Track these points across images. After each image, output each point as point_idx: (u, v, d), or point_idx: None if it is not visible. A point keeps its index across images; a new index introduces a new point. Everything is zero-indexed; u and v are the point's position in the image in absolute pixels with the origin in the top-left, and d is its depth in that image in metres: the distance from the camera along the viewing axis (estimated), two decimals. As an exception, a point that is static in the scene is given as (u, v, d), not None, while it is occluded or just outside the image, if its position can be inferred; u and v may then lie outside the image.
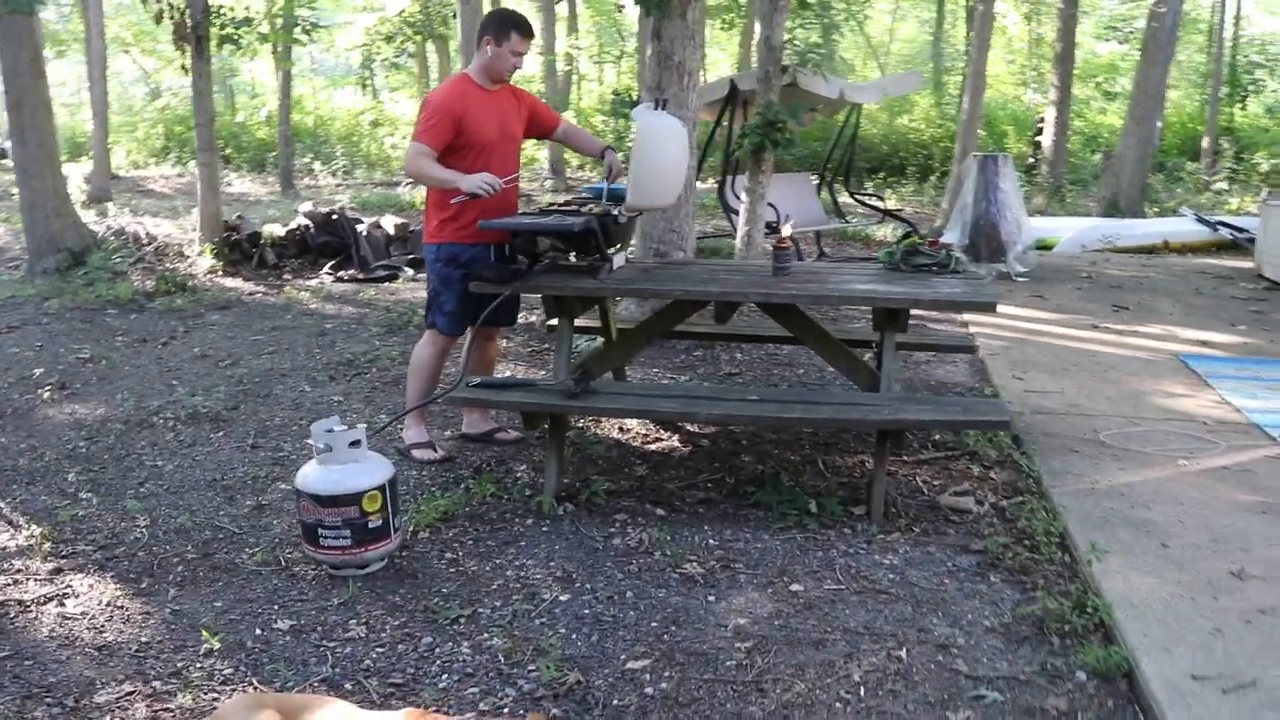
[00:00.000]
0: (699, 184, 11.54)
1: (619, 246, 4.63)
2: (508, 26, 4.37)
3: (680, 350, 6.43)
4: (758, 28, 8.44)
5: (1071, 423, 4.98)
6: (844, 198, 11.88)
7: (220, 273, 9.54)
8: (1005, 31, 27.56)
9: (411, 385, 4.75)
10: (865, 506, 3.96)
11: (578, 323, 5.02)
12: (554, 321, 4.48)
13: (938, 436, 4.71)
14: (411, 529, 4.01)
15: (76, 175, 18.14)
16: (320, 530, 3.61)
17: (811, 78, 8.78)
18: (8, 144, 25.38)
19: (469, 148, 4.38)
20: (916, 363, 6.09)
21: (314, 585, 3.63)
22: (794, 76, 8.71)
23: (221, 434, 5.29)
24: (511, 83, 4.68)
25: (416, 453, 4.77)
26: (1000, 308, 7.69)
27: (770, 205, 8.71)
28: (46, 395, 5.98)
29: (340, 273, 9.69)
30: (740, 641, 3.14)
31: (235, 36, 9.51)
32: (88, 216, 12.34)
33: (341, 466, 3.64)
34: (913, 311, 4.30)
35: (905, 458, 4.56)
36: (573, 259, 4.26)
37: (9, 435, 5.35)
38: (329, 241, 10.14)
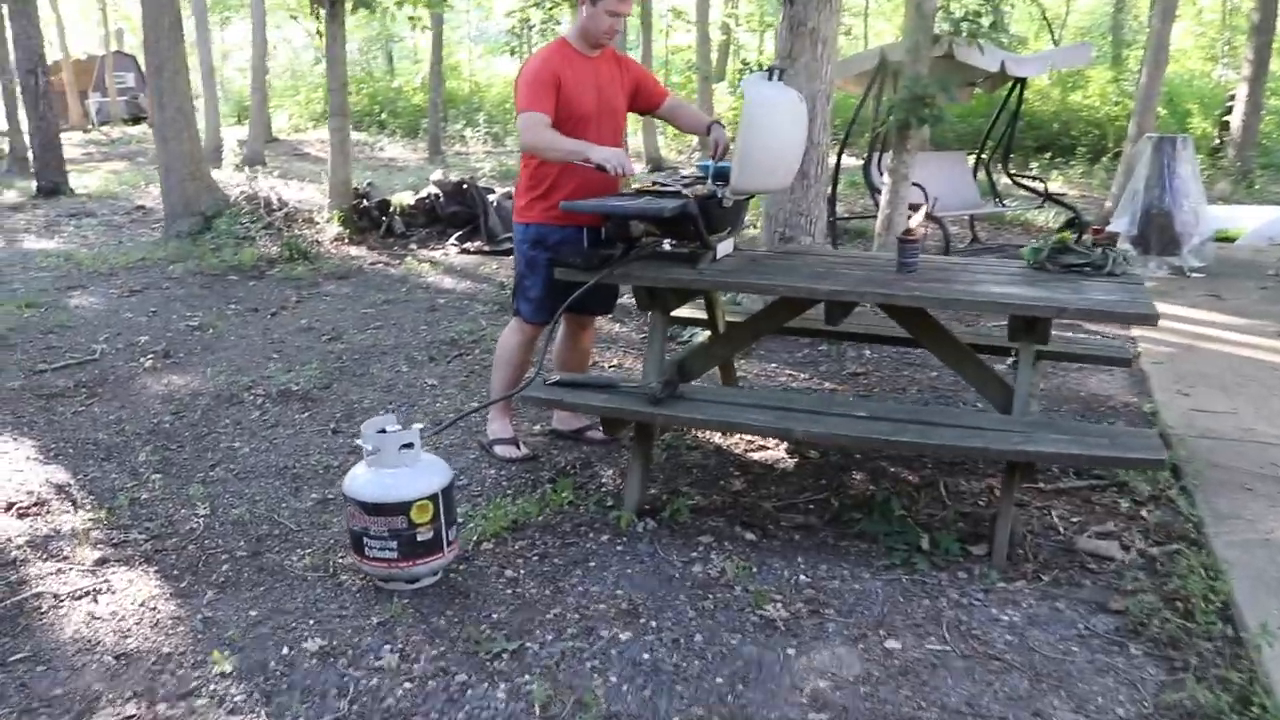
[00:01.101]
0: (848, 159, 10.90)
1: (727, 232, 4.15)
2: (606, -16, 3.92)
3: (804, 344, 5.91)
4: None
5: (1245, 453, 4.27)
6: (1002, 179, 11.03)
7: (346, 240, 9.44)
8: (1195, 2, 25.65)
9: (496, 376, 4.39)
10: (987, 546, 3.40)
11: (684, 312, 4.58)
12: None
13: (1083, 462, 4.09)
14: (475, 538, 3.65)
15: (232, 139, 18.63)
16: (366, 540, 3.27)
17: (968, 49, 8.04)
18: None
19: (565, 119, 3.97)
20: (1064, 370, 5.42)
21: (357, 598, 3.31)
22: (949, 47, 7.99)
23: (307, 415, 5.05)
24: (615, 48, 4.24)
25: (498, 449, 4.42)
26: (1169, 308, 6.94)
27: (917, 186, 8.06)
28: (149, 364, 5.88)
29: (466, 244, 9.47)
30: (816, 713, 2.65)
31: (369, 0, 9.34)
32: (237, 179, 12.54)
33: (391, 471, 3.29)
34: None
35: (1042, 485, 3.96)
36: (667, 245, 3.80)
37: (103, 405, 5.23)
38: (458, 211, 9.93)
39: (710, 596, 3.22)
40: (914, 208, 8.16)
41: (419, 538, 3.25)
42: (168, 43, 9.18)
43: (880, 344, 4.88)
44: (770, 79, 3.80)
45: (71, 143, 23.74)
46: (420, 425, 3.41)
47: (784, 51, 5.61)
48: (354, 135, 23.95)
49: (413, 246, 9.43)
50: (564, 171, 4.02)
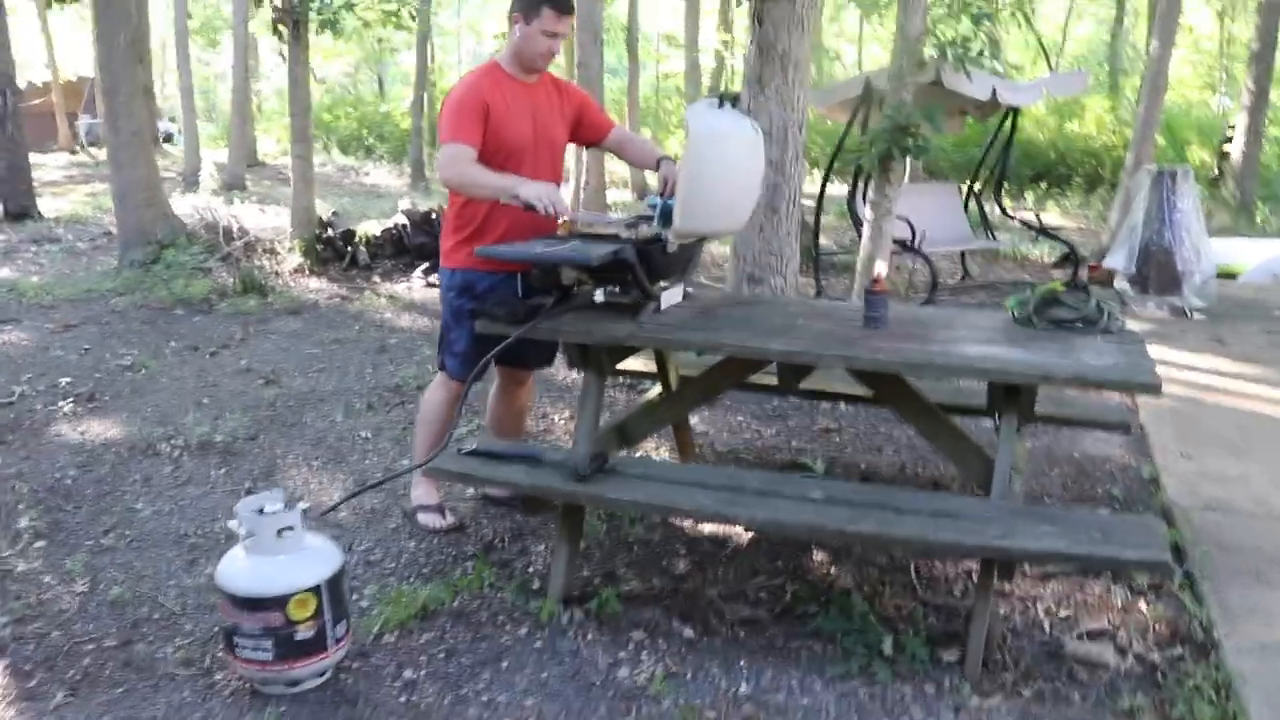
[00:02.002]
0: (834, 189, 10.48)
1: (676, 278, 3.71)
2: (540, 1, 3.49)
3: (773, 394, 5.46)
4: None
5: (1259, 530, 3.81)
6: (995, 211, 10.62)
7: (307, 272, 9.01)
8: (1192, 30, 25.35)
9: (419, 437, 3.93)
10: (960, 650, 2.94)
11: (631, 365, 4.13)
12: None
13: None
14: (377, 629, 3.19)
15: (215, 162, 18.25)
16: (237, 638, 2.82)
17: (957, 75, 7.63)
18: (174, 127, 26.03)
19: (495, 152, 3.53)
20: (1056, 426, 4.97)
21: (228, 704, 2.84)
22: (937, 74, 7.59)
23: (224, 471, 4.60)
24: (553, 73, 3.82)
25: (421, 517, 3.96)
26: (1170, 354, 6.48)
27: (903, 220, 7.64)
28: (69, 408, 5.43)
29: (431, 276, 9.02)
30: None
31: (334, 20, 8.94)
32: (211, 204, 12.11)
33: (268, 559, 2.84)
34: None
35: (1026, 569, 3.50)
36: (599, 296, 3.34)
37: (7, 455, 4.78)
38: (425, 242, 9.48)
39: (633, 712, 2.75)
40: (900, 244, 7.75)
41: (298, 636, 2.80)
42: (121, 64, 8.77)
43: (852, 402, 4.43)
44: (720, 106, 3.37)
45: (56, 164, 23.43)
46: (305, 505, 2.96)
47: (753, 76, 5.19)
48: (340, 160, 23.67)
49: (375, 279, 8.98)
50: (494, 211, 3.58)
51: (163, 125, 27.93)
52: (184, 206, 12.34)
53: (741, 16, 28.23)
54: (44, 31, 26.60)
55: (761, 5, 5.07)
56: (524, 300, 3.44)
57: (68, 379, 5.92)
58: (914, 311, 3.76)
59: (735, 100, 3.42)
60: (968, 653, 2.86)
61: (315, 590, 2.81)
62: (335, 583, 2.88)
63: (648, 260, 3.36)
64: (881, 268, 3.43)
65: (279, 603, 2.77)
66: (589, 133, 3.90)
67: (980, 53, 6.91)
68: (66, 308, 7.77)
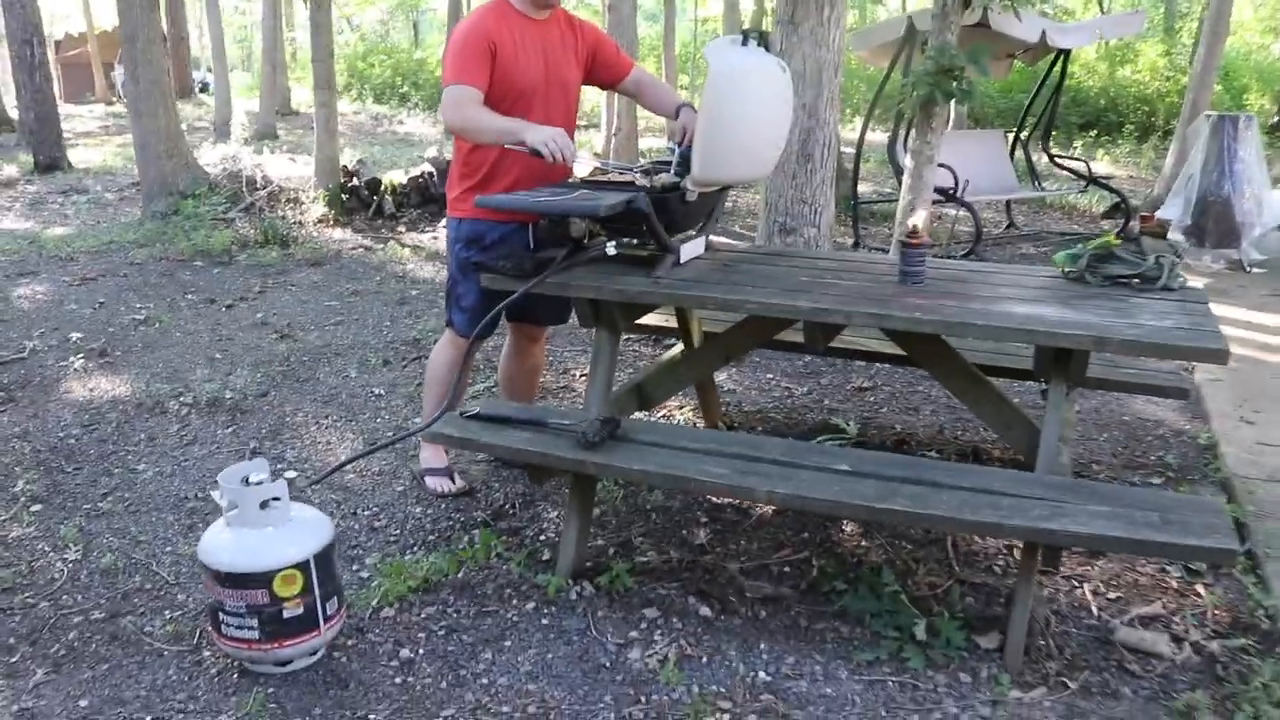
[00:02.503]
0: (874, 135, 10.11)
1: (697, 229, 3.46)
2: (550, -72, 3.22)
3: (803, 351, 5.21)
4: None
5: (1326, 503, 3.53)
6: (1042, 160, 10.21)
7: (331, 222, 8.82)
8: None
9: (427, 397, 3.73)
10: (999, 636, 2.70)
11: (651, 321, 3.90)
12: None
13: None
14: (376, 602, 3.00)
15: (242, 112, 18.09)
16: (222, 615, 2.64)
17: (1006, 16, 7.24)
18: (209, 77, 25.95)
19: (504, 95, 3.28)
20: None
21: (214, 684, 2.67)
22: (984, 14, 7.19)
23: (230, 430, 4.43)
24: (567, 9, 3.55)
25: (429, 481, 3.76)
26: (1229, 310, 6.13)
27: (946, 168, 7.29)
28: (79, 364, 5.28)
29: (458, 227, 8.80)
30: None
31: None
32: (241, 153, 11.95)
33: (253, 533, 2.65)
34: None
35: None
36: (611, 249, 3.09)
37: (14, 414, 4.64)
38: (452, 192, 9.26)
39: (642, 699, 2.54)
40: (941, 193, 7.41)
41: (285, 614, 2.61)
42: (140, 10, 8.56)
43: (885, 362, 4.16)
44: (744, 44, 3.09)
45: (93, 115, 23.40)
46: (292, 474, 2.77)
47: (785, 15, 4.88)
48: (374, 108, 23.42)
49: (400, 229, 8.78)
50: (503, 157, 3.34)
51: (199, 74, 27.83)
52: (213, 156, 12.19)
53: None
54: (80, -20, 26.52)
55: (795, -63, 4.74)
56: (533, 253, 3.20)
57: (80, 334, 5.78)
58: (955, 266, 3.48)
59: (762, 38, 3.14)
60: (1008, 640, 2.62)
61: (302, 566, 2.62)
62: (324, 558, 2.69)
63: (665, 210, 3.11)
64: (919, 219, 3.16)
65: (264, 579, 2.58)
66: (605, 74, 3.63)
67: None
68: (86, 260, 7.64)
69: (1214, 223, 7.50)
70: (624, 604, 2.96)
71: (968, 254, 7.91)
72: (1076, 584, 3.04)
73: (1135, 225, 9.13)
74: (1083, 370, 2.85)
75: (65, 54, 28.60)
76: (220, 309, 6.34)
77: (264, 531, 2.65)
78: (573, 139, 3.28)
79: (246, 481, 2.67)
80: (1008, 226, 9.85)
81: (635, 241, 3.28)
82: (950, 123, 8.87)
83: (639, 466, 2.73)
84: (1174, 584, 3.03)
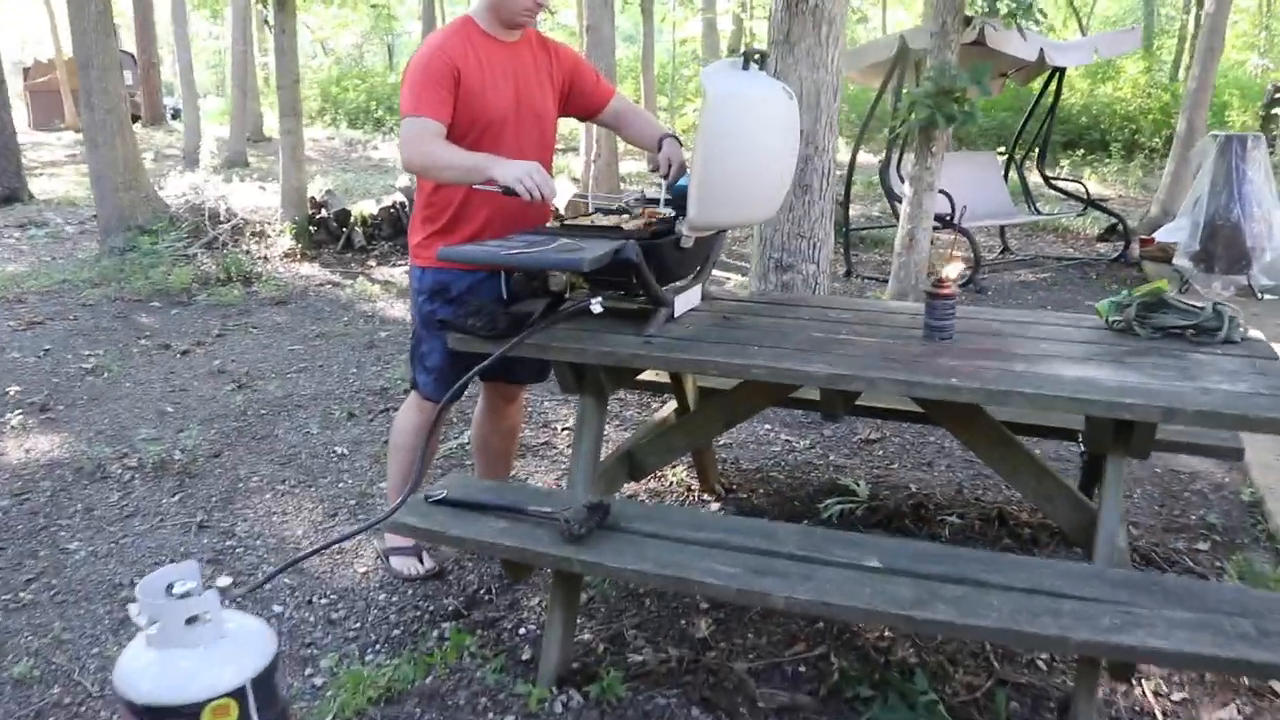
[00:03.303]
0: (862, 156, 9.77)
1: (691, 276, 3.07)
2: (520, -62, 2.84)
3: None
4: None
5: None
6: (1035, 180, 9.90)
7: (298, 256, 8.41)
8: (1230, -12, 24.29)
9: (391, 466, 3.32)
10: (1058, 758, 2.31)
11: (643, 377, 3.51)
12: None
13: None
14: (330, 718, 2.59)
15: (212, 139, 17.66)
16: (140, 755, 2.21)
17: (1006, 34, 6.91)
18: (180, 104, 25.51)
19: (468, 126, 2.89)
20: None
21: (132, 838, 2.24)
22: (981, 31, 6.87)
23: (177, 498, 4.00)
24: (540, 29, 3.18)
25: (395, 561, 3.35)
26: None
27: (943, 193, 6.94)
28: (16, 421, 4.85)
29: (431, 260, 8.39)
30: None
31: (322, -14, 8.26)
32: (206, 184, 11.52)
33: (179, 655, 2.23)
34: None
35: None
36: (595, 306, 2.69)
37: (-63, 480, 4.20)
38: (426, 222, 8.85)
39: None
40: (938, 220, 7.05)
41: (217, 753, 2.19)
42: (95, 35, 8.14)
43: (901, 420, 3.77)
44: (745, 67, 2.71)
45: (62, 143, 22.87)
46: (225, 580, 2.35)
47: (779, 34, 4.51)
48: (348, 134, 23.01)
49: (370, 263, 8.37)
50: (470, 197, 2.95)
51: (170, 101, 27.35)
52: (180, 185, 11.76)
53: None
54: (47, 6, 26.02)
55: (790, -49, 4.38)
56: (506, 308, 2.80)
57: (19, 387, 5.33)
58: (983, 315, 3.09)
59: (763, 60, 2.76)
60: (1069, 766, 2.23)
61: (238, 694, 2.20)
62: (265, 681, 2.26)
63: (657, 257, 2.72)
64: (953, 270, 2.77)
65: (191, 712, 2.16)
66: (583, 102, 3.25)
67: (1030, 8, 6.18)
68: (35, 301, 7.20)
69: (1223, 247, 7.17)
70: (617, 716, 2.55)
71: (966, 283, 7.57)
72: (1134, 682, 2.65)
73: (1135, 249, 8.83)
74: (1148, 443, 2.47)
75: (34, 80, 28.11)
76: (175, 355, 5.91)
77: (192, 652, 2.22)
78: (550, 173, 2.90)
79: (170, 592, 2.25)
80: (1002, 251, 9.53)
81: (623, 294, 2.89)
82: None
83: (634, 566, 2.33)
84: (1247, 680, 2.64)
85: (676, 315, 2.89)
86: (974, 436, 2.83)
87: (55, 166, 17.96)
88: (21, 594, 3.31)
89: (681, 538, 2.46)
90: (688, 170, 2.76)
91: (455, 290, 3.01)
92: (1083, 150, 17.15)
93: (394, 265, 8.30)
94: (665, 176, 2.99)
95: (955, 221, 7.44)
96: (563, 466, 4.20)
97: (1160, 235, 8.74)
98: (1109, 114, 19.06)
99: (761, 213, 2.90)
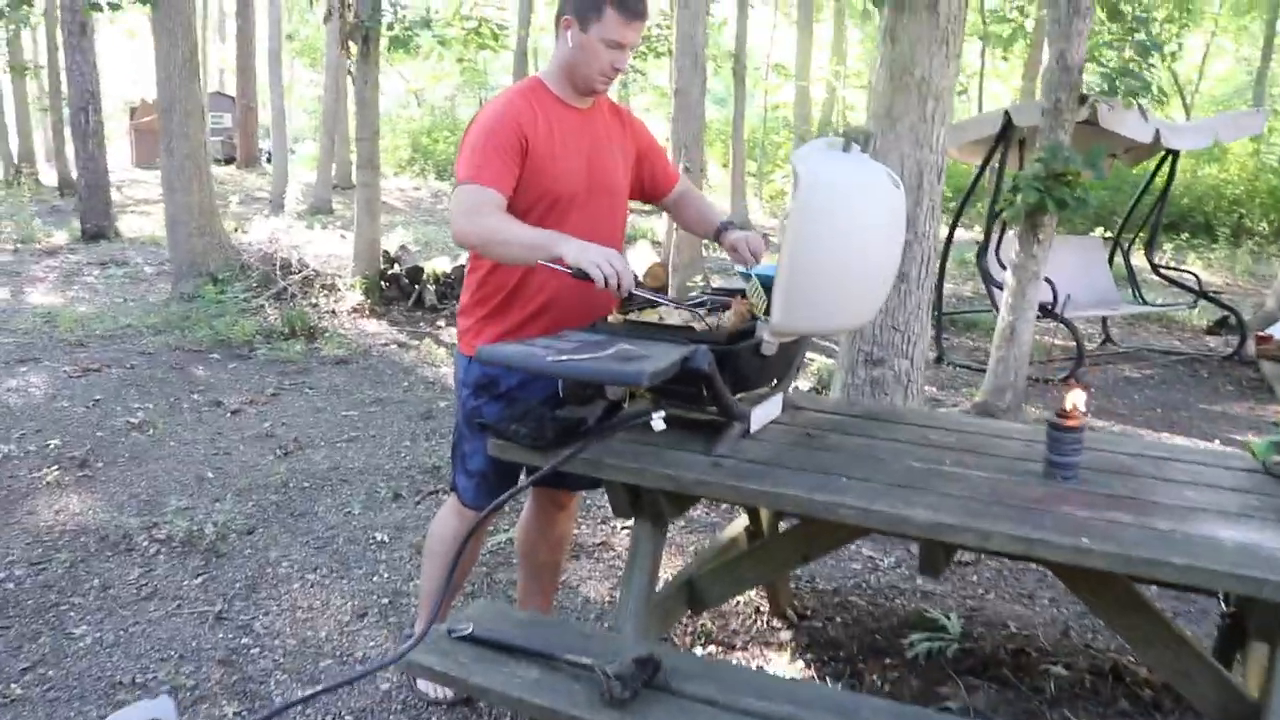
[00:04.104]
0: (962, 232, 9.33)
1: (771, 386, 2.68)
2: (597, -1, 2.51)
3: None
4: (1046, 50, 6.18)
5: None
6: (1137, 263, 9.33)
7: (367, 312, 8.19)
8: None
9: (426, 574, 2.97)
10: None
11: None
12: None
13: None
14: None
15: (300, 184, 17.81)
16: None
17: (1120, 112, 6.44)
18: (270, 147, 25.99)
19: (535, 202, 2.56)
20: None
21: None
22: (1093, 110, 6.41)
23: (200, 580, 3.69)
24: (615, 98, 2.84)
25: (421, 682, 2.97)
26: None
27: (1045, 280, 6.46)
28: (53, 476, 4.62)
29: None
30: None
31: (408, 37, 8.13)
32: (283, 231, 11.50)
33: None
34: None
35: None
36: (658, 421, 2.30)
37: (-44, 542, 3.96)
38: (499, 282, 8.60)
39: None
40: (1040, 309, 6.57)
41: None
42: (180, 80, 8.09)
43: (1004, 557, 3.31)
44: (846, 149, 2.33)
45: (159, 181, 23.38)
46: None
47: (881, 108, 4.13)
48: (436, 185, 23.14)
49: (440, 323, 8.12)
50: (530, 276, 2.60)
51: (265, 144, 27.90)
52: (264, 230, 11.76)
53: (855, 46, 27.05)
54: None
55: (895, 18, 4.01)
56: (554, 414, 2.43)
57: (62, 440, 5.11)
58: (1108, 446, 2.64)
59: (866, 141, 2.39)
60: None
61: None
62: None
63: (733, 365, 2.34)
64: (1078, 398, 2.34)
65: None
66: (652, 185, 2.91)
67: (1148, 87, 5.73)
68: (96, 346, 7.05)
69: (1359, 353, 6.57)
70: None
71: (1068, 377, 7.05)
72: None
73: (1251, 347, 8.21)
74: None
75: (139, 119, 28.89)
76: (225, 414, 5.67)
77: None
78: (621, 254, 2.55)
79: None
80: (1104, 342, 8.96)
81: (690, 403, 2.51)
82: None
83: (686, 748, 1.92)
84: None
85: (752, 430, 2.50)
86: (1099, 598, 2.37)
87: (149, 204, 18.23)
88: (13, 685, 3.00)
89: (745, 709, 2.04)
90: (762, 261, 2.39)
91: (504, 385, 2.65)
92: (1186, 234, 16.42)
93: (463, 325, 8.04)
94: (746, 264, 2.62)
95: (1057, 311, 6.93)
96: (619, 574, 3.80)
97: (1276, 331, 8.13)
98: (1214, 196, 18.31)
99: (857, 319, 2.50)
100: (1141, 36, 5.84)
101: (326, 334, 7.45)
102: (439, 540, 2.88)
